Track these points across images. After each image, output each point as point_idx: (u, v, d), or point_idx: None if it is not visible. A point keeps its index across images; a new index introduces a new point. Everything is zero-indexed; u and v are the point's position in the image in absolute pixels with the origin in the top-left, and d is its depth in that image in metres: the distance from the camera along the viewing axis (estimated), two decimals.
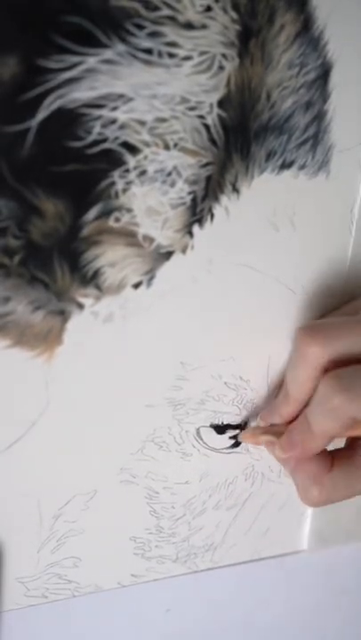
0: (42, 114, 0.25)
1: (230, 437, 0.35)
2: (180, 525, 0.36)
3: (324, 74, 0.30)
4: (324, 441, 0.30)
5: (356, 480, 0.31)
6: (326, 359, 0.29)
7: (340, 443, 0.33)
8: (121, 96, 0.26)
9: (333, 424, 0.28)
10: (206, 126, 0.28)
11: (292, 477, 0.32)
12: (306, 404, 0.31)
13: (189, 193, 0.29)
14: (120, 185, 0.27)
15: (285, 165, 0.31)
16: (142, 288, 0.30)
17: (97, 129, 0.26)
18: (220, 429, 0.34)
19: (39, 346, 0.29)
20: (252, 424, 0.35)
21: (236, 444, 0.35)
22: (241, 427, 0.35)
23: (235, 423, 0.35)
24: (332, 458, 0.32)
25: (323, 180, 0.32)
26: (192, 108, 0.27)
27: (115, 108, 0.26)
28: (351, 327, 0.29)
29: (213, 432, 0.34)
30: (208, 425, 0.34)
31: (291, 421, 0.32)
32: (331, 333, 0.29)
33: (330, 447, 0.31)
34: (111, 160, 0.27)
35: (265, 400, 0.35)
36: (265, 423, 0.34)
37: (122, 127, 0.26)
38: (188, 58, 0.27)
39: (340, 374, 0.28)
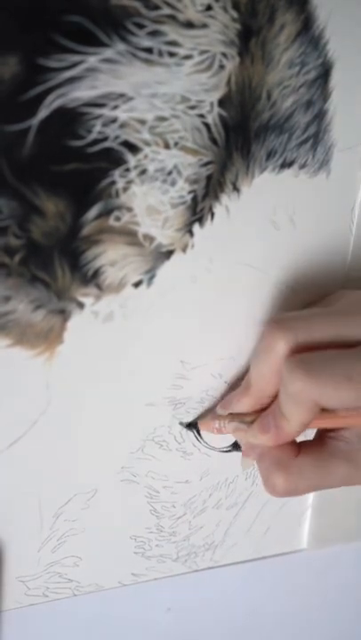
0: (42, 113, 0.25)
1: (188, 425, 0.34)
2: (181, 524, 0.36)
3: (325, 73, 0.30)
4: (295, 427, 0.29)
5: (323, 470, 0.30)
6: (290, 348, 0.28)
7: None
8: (121, 95, 0.26)
9: (298, 409, 0.28)
10: (207, 125, 0.28)
11: (258, 466, 0.31)
12: (265, 396, 0.31)
13: (190, 192, 0.29)
14: (120, 184, 0.27)
15: (286, 164, 0.31)
16: (143, 287, 0.30)
17: (97, 128, 0.26)
18: None
19: (40, 345, 0.29)
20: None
21: (237, 445, 0.35)
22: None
23: None
24: (299, 446, 0.31)
25: (323, 179, 0.32)
26: (192, 107, 0.27)
27: (115, 107, 0.26)
28: (318, 318, 0.29)
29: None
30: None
31: (259, 410, 0.31)
32: (297, 324, 0.29)
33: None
34: (112, 159, 0.27)
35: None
36: (223, 412, 0.33)
37: (122, 126, 0.26)
38: (188, 57, 0.27)
39: (303, 359, 0.28)
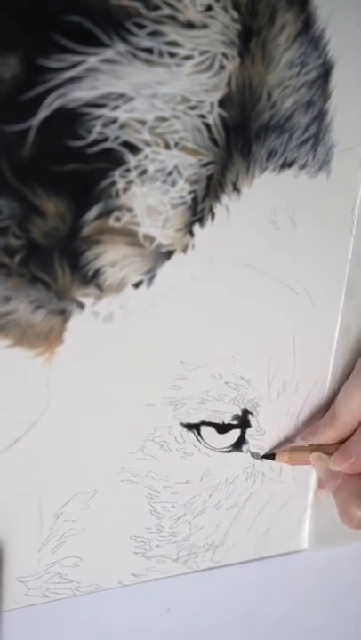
0: (43, 113, 0.25)
1: (264, 456, 0.35)
2: (181, 525, 0.36)
3: (325, 73, 0.30)
4: None
5: None
6: None
7: None
8: (122, 95, 0.26)
9: None
10: (207, 125, 0.28)
11: (335, 498, 0.33)
12: (350, 429, 0.32)
13: (190, 192, 0.29)
14: (121, 184, 0.27)
15: (286, 165, 0.31)
16: (143, 287, 0.30)
17: (98, 128, 0.26)
18: (222, 429, 0.34)
19: (40, 345, 0.29)
20: (253, 424, 0.35)
21: (238, 445, 0.35)
22: (241, 426, 0.35)
23: (235, 423, 0.35)
24: None
25: (323, 180, 0.32)
26: (193, 108, 0.27)
27: (115, 108, 0.26)
28: None
29: (214, 431, 0.34)
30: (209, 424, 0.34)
31: (340, 442, 0.33)
32: None
33: None
34: (112, 159, 0.27)
35: (268, 405, 0.35)
36: (305, 443, 0.35)
37: (122, 126, 0.26)
38: (188, 57, 0.27)
39: None
